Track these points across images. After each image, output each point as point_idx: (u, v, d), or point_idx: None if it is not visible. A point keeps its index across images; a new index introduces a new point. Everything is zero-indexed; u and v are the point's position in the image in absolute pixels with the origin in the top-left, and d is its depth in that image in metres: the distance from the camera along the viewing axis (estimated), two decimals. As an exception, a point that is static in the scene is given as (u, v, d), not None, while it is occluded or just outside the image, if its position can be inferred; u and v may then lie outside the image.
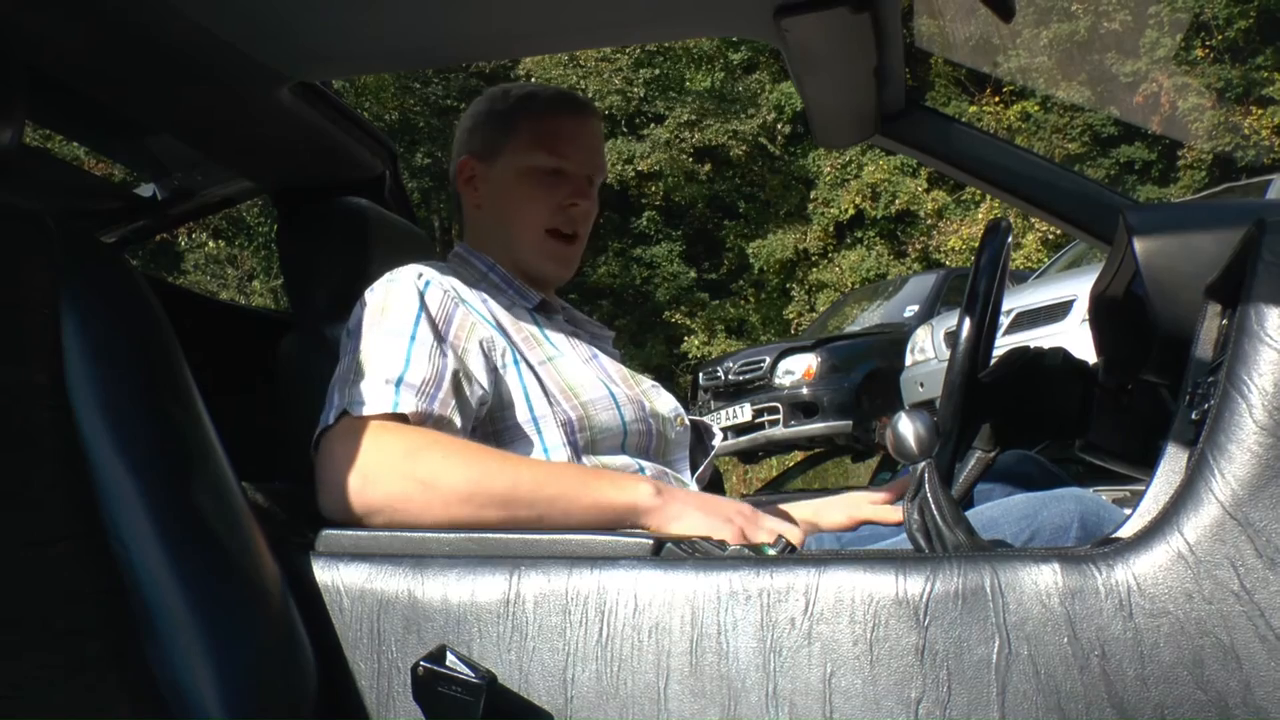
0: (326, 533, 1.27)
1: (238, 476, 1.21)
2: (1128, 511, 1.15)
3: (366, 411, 1.34)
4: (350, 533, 1.27)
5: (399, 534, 1.26)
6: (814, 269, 17.61)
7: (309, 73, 1.77)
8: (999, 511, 1.45)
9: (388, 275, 1.51)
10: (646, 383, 1.67)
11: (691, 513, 1.32)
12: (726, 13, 1.63)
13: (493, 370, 1.47)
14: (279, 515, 1.43)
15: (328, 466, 1.32)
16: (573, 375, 1.54)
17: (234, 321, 2.23)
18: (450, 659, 1.08)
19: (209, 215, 2.62)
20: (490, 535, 1.25)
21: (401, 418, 1.34)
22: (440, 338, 1.43)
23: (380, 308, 1.45)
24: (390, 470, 1.29)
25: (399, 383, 1.36)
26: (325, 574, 1.20)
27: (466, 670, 1.08)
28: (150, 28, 1.51)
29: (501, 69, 16.53)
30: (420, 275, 1.50)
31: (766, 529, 1.31)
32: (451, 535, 1.25)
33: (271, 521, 1.29)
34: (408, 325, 1.42)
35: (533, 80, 16.45)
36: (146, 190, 2.23)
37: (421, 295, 1.46)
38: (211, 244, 15.88)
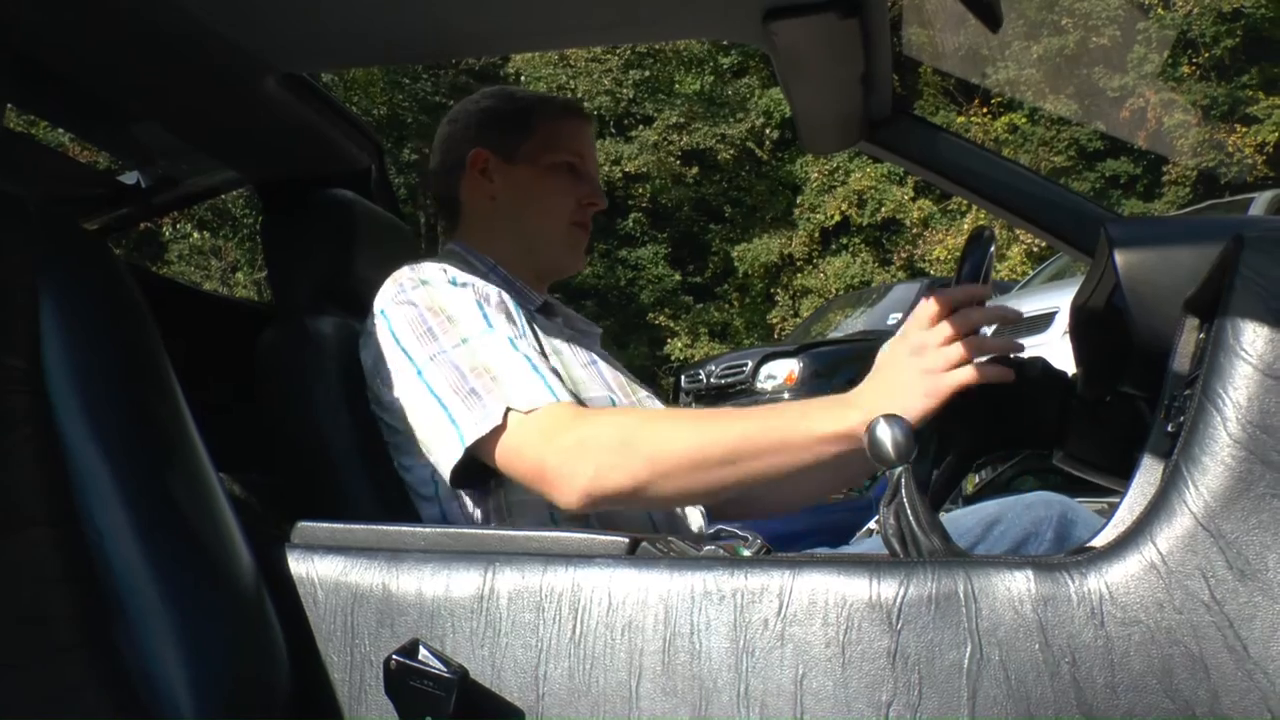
0: (302, 525, 1.27)
1: (216, 467, 1.20)
2: (1103, 515, 1.15)
3: (535, 404, 1.36)
4: (326, 525, 1.26)
5: (374, 527, 1.26)
6: (799, 274, 17.66)
7: (296, 64, 1.76)
8: (973, 519, 1.46)
9: (409, 279, 1.50)
10: (642, 392, 1.69)
11: (905, 406, 1.23)
12: (715, 15, 1.64)
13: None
14: (256, 506, 1.43)
15: (538, 462, 1.33)
16: (576, 373, 1.55)
17: (217, 312, 2.22)
18: (423, 653, 1.08)
19: (193, 204, 2.61)
20: (466, 531, 1.25)
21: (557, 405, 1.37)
22: (517, 327, 1.47)
23: (438, 310, 1.46)
24: (615, 455, 1.30)
25: (538, 373, 1.39)
26: (300, 566, 1.20)
27: (439, 665, 1.07)
28: (137, 14, 1.50)
29: (492, 66, 16.51)
30: (445, 270, 1.51)
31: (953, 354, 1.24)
32: (427, 530, 1.24)
33: (248, 512, 1.29)
34: (481, 322, 1.44)
35: (522, 79, 16.46)
36: (130, 178, 2.22)
37: (466, 289, 1.48)
38: (196, 235, 15.81)
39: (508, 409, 1.35)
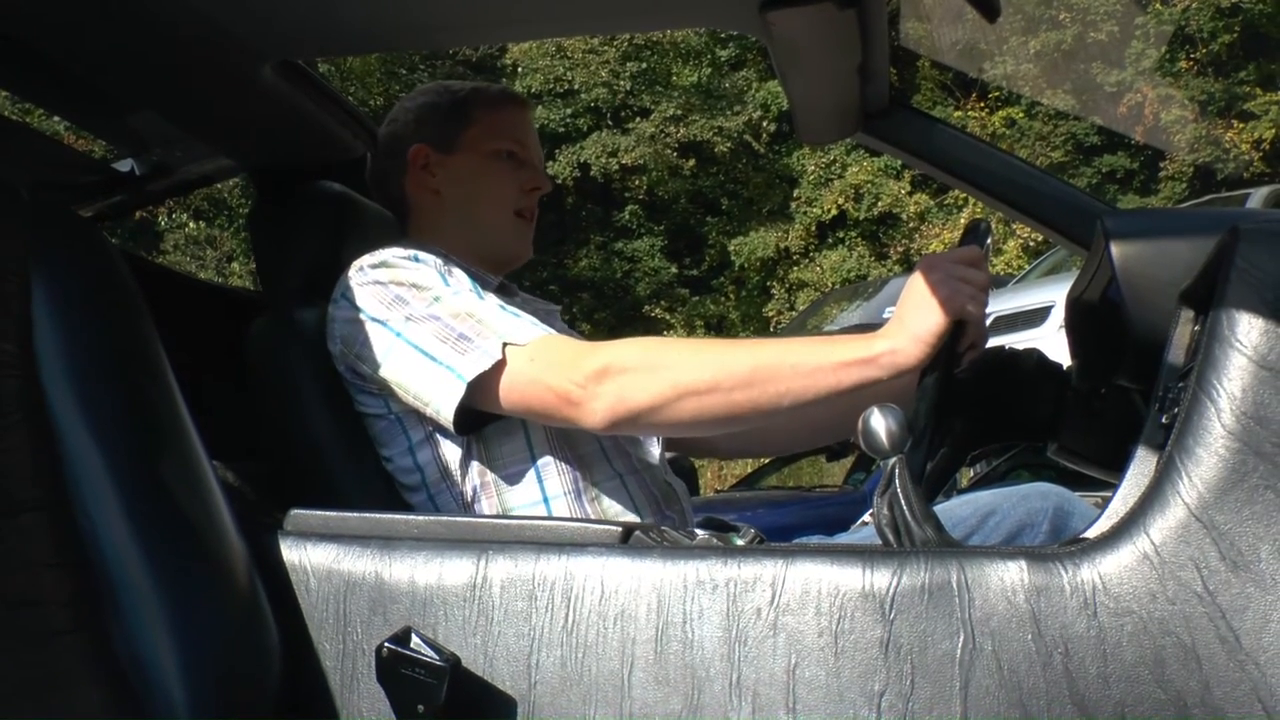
0: (295, 513, 1.27)
1: (209, 454, 1.20)
2: (1099, 509, 1.15)
3: (531, 337, 1.37)
4: (318, 513, 1.26)
5: (367, 515, 1.26)
6: (795, 268, 17.63)
7: (291, 51, 1.76)
8: (968, 510, 1.46)
9: (369, 262, 1.50)
10: None
11: (924, 322, 1.28)
12: (712, 4, 1.63)
13: None
14: (249, 494, 1.43)
15: (561, 389, 1.34)
16: None
17: (212, 300, 2.22)
18: (415, 641, 1.08)
19: (188, 192, 2.60)
20: (459, 519, 1.25)
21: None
22: (478, 291, 1.47)
23: (402, 282, 1.46)
24: (637, 376, 1.32)
25: (520, 315, 1.40)
26: (292, 553, 1.20)
27: (431, 653, 1.07)
28: (134, 0, 1.50)
29: (489, 57, 16.48)
30: (402, 250, 1.51)
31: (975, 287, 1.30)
32: (420, 518, 1.24)
33: (241, 500, 1.29)
34: (447, 287, 1.44)
35: (520, 70, 16.42)
36: (124, 165, 2.21)
37: (425, 264, 1.48)
38: (192, 225, 15.79)
39: (505, 343, 1.36)
